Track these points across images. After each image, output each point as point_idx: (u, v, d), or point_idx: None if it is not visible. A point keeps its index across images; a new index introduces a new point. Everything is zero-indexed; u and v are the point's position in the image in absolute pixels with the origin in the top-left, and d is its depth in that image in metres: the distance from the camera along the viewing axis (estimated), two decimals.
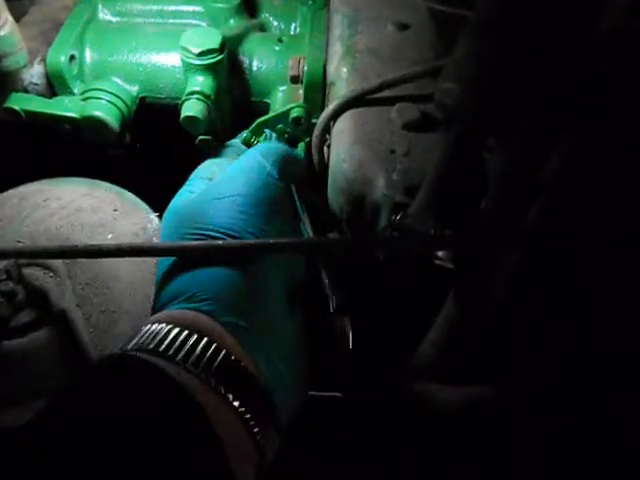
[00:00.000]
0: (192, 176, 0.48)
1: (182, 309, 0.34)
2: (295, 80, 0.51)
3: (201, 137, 0.51)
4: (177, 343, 0.30)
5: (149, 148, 0.59)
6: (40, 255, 0.39)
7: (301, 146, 0.52)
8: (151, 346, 0.30)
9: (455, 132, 0.38)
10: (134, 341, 0.32)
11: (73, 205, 0.47)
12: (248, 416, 0.30)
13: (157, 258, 0.42)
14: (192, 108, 0.47)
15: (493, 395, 0.40)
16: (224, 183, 0.40)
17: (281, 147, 0.44)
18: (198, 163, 0.53)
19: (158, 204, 0.50)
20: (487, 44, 0.35)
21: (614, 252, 0.35)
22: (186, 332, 0.31)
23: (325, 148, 0.50)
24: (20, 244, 0.43)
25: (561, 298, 0.39)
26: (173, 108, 0.52)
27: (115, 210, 0.48)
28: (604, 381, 0.40)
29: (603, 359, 0.40)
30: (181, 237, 0.37)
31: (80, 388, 0.29)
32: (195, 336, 0.31)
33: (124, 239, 0.46)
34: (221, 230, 0.36)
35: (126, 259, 0.45)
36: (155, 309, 0.36)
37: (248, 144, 0.51)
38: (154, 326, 0.32)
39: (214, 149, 0.51)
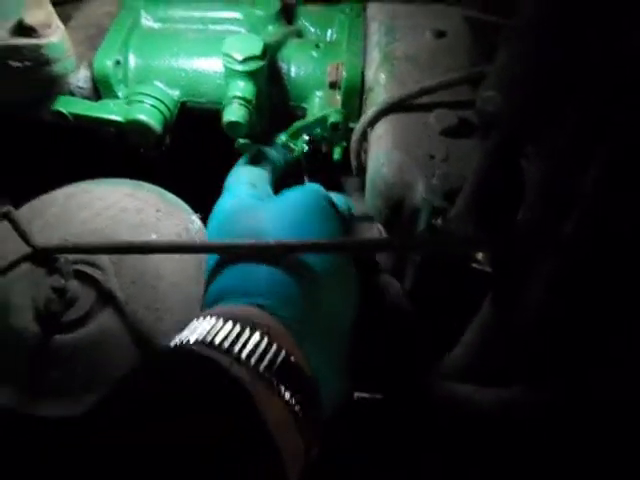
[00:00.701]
0: (231, 181, 0.49)
1: (236, 304, 0.35)
2: (333, 85, 0.52)
3: (241, 141, 0.52)
4: (231, 337, 0.31)
5: (187, 151, 0.61)
6: (94, 251, 0.41)
7: (337, 151, 0.53)
8: (208, 339, 0.31)
9: (495, 139, 0.39)
10: (186, 333, 0.33)
11: (117, 206, 0.49)
12: (298, 409, 0.31)
13: (205, 260, 0.43)
14: (234, 113, 0.48)
15: (528, 398, 0.41)
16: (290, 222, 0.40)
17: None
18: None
19: (197, 206, 0.52)
20: (530, 45, 0.35)
21: None
22: (239, 326, 0.32)
23: (362, 154, 0.51)
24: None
25: (597, 306, 0.39)
26: (213, 112, 0.53)
27: (158, 211, 0.49)
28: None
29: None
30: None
31: (137, 380, 0.30)
32: (248, 330, 0.32)
33: (167, 239, 0.47)
34: None
35: (169, 259, 0.46)
36: (205, 304, 0.38)
37: (287, 147, 0.52)
38: (207, 319, 0.33)
39: (250, 151, 0.52)
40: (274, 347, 0.32)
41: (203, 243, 0.43)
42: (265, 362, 0.31)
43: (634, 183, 0.34)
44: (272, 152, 0.53)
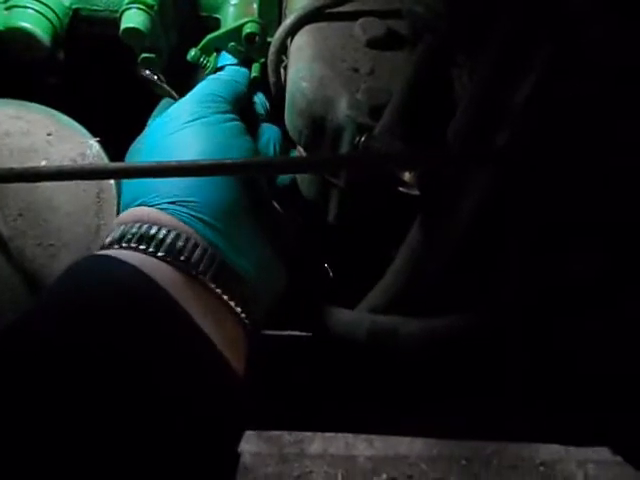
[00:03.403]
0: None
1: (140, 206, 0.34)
2: None
3: (144, 55, 0.46)
4: (141, 235, 0.31)
5: (86, 70, 0.54)
6: None
7: (256, 67, 0.48)
8: (115, 243, 0.31)
9: (425, 45, 0.36)
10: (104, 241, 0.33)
11: (1, 128, 0.42)
12: (226, 298, 0.32)
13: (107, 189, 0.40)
14: (133, 19, 0.42)
15: (458, 326, 0.39)
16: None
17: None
18: (140, 88, 0.49)
19: (98, 131, 0.46)
20: None
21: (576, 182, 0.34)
22: (146, 225, 0.32)
23: (282, 70, 0.46)
24: None
25: (523, 226, 0.38)
26: (111, 22, 0.47)
27: (49, 134, 0.43)
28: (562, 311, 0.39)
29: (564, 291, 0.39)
30: None
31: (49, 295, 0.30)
32: (157, 227, 0.31)
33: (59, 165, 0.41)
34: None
35: (63, 187, 0.41)
36: None
37: (197, 64, 0.46)
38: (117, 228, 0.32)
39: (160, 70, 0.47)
40: (192, 241, 0.32)
41: (94, 166, 0.38)
42: (184, 256, 0.31)
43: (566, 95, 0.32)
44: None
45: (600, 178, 0.33)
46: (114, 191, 0.42)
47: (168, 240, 0.31)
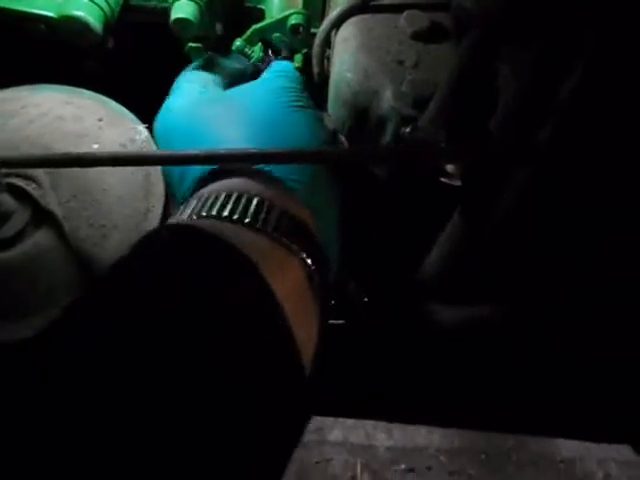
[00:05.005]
0: (179, 80, 0.44)
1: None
2: None
3: (191, 44, 0.47)
4: (230, 205, 0.29)
5: (134, 58, 0.55)
6: (26, 164, 0.36)
7: (298, 58, 0.49)
8: (203, 212, 0.29)
9: (471, 39, 0.36)
10: (179, 214, 0.31)
11: (53, 113, 0.44)
12: (313, 269, 0.29)
13: (153, 172, 0.40)
14: (183, 9, 0.43)
15: (494, 314, 0.40)
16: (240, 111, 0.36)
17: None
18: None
19: (145, 117, 0.47)
20: None
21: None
22: (236, 193, 0.30)
23: (326, 60, 0.47)
24: None
25: (563, 222, 0.38)
26: (160, 13, 0.48)
27: (100, 120, 0.44)
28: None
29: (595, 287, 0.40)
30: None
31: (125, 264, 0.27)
32: (245, 196, 0.29)
33: (111, 149, 0.43)
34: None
35: (113, 170, 0.42)
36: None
37: (242, 54, 0.47)
38: (199, 196, 0.30)
39: (202, 57, 0.48)
40: (277, 208, 0.30)
41: (150, 153, 0.39)
42: (272, 223, 0.29)
43: (611, 91, 0.32)
44: (226, 61, 0.48)
45: None
46: (160, 174, 0.44)
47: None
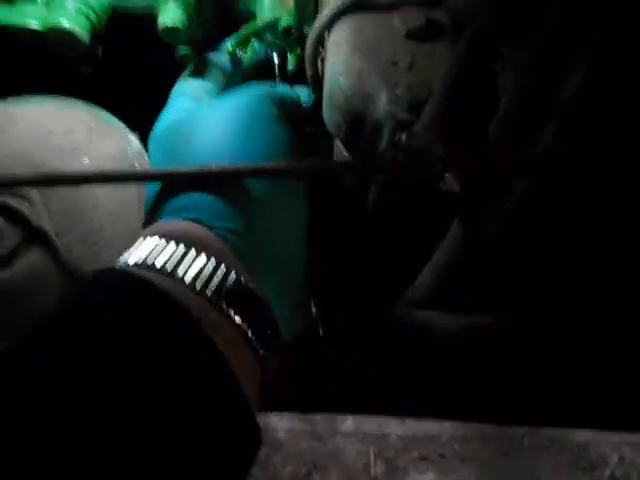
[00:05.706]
0: (173, 93, 0.44)
1: (170, 220, 0.32)
2: None
3: (182, 52, 0.46)
4: (175, 258, 0.29)
5: (123, 63, 0.54)
6: (16, 183, 0.36)
7: (291, 60, 0.47)
8: (148, 262, 0.29)
9: (467, 38, 0.35)
10: (124, 257, 0.31)
11: (42, 127, 0.43)
12: (250, 332, 0.29)
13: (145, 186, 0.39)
14: (170, 16, 0.42)
15: (494, 323, 0.39)
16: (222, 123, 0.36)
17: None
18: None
19: (136, 125, 0.46)
20: None
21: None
22: (183, 246, 0.30)
23: (319, 62, 0.46)
24: None
25: (567, 228, 0.37)
26: (149, 18, 0.47)
27: (90, 131, 0.44)
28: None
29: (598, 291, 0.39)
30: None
31: (72, 302, 0.28)
32: (193, 250, 0.30)
33: (102, 162, 0.42)
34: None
35: (105, 187, 0.41)
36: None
37: (233, 57, 0.46)
38: (146, 240, 0.31)
39: (195, 64, 0.47)
40: (222, 268, 0.30)
41: (137, 171, 0.39)
42: (213, 285, 0.29)
43: (618, 89, 0.31)
44: (219, 59, 0.47)
45: None
46: None
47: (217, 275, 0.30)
